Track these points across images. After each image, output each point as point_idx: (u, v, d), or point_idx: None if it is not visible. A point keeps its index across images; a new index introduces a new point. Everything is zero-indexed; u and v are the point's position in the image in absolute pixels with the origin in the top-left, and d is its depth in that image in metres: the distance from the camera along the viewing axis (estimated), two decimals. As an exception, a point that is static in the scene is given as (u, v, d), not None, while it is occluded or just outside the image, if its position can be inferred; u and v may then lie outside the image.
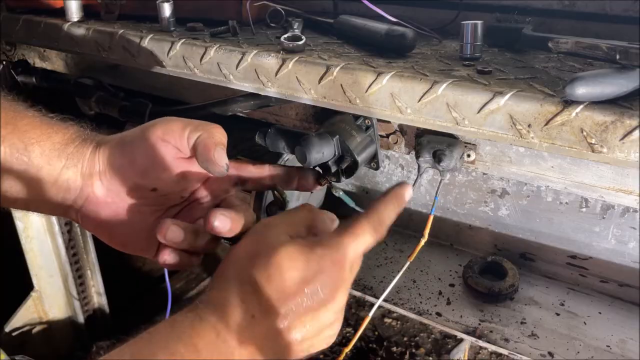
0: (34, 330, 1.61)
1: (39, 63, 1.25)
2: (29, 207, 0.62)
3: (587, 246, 0.93)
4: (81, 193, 0.60)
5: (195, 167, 0.61)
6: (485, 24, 0.69)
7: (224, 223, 0.55)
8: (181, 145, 0.59)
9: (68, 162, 0.59)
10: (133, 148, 0.59)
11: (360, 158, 0.74)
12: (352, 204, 0.80)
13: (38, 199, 0.60)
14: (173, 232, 0.56)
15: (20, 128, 0.58)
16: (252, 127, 0.84)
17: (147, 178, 0.60)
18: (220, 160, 0.56)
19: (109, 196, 0.60)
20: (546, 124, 0.54)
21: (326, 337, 0.52)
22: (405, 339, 1.89)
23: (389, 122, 0.77)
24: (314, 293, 0.48)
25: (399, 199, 0.54)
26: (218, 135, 0.58)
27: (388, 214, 0.54)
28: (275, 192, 0.75)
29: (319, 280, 0.48)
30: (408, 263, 0.83)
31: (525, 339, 0.84)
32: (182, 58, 0.82)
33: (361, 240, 0.52)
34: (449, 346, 1.84)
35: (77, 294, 1.65)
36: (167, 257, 0.57)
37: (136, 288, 2.02)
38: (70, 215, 0.62)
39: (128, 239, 0.62)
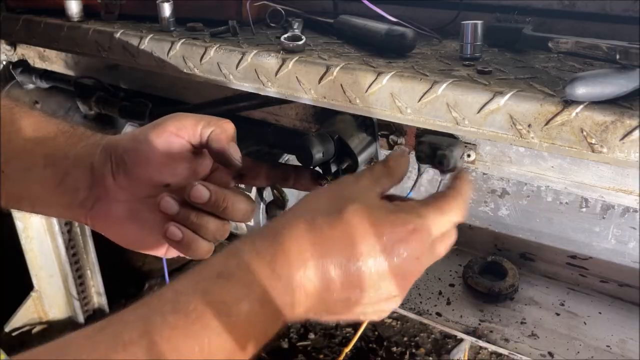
0: (34, 330, 1.61)
1: (39, 63, 1.25)
2: (34, 209, 0.62)
3: (587, 246, 0.92)
4: (91, 193, 0.60)
5: (203, 162, 0.63)
6: (485, 24, 0.69)
7: (202, 192, 0.56)
8: (194, 140, 0.60)
9: (76, 162, 0.59)
10: (149, 145, 0.59)
11: (360, 158, 0.74)
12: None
13: (44, 200, 0.60)
14: (167, 202, 0.56)
15: (25, 128, 0.59)
16: (252, 127, 0.85)
17: (162, 174, 0.60)
18: (236, 154, 0.59)
19: (122, 195, 0.60)
20: (546, 124, 0.54)
21: (381, 310, 0.49)
22: (405, 339, 1.89)
23: (389, 122, 0.77)
24: (384, 261, 0.45)
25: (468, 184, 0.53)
26: (230, 130, 0.60)
27: (467, 195, 0.51)
28: (275, 190, 0.76)
29: (395, 249, 0.46)
30: (408, 263, 0.83)
31: (525, 339, 0.84)
32: (182, 58, 0.82)
33: (447, 217, 0.49)
34: (449, 346, 1.84)
35: (77, 294, 1.65)
36: (171, 228, 0.57)
37: (136, 288, 2.02)
38: (78, 217, 0.61)
39: (140, 237, 0.62)
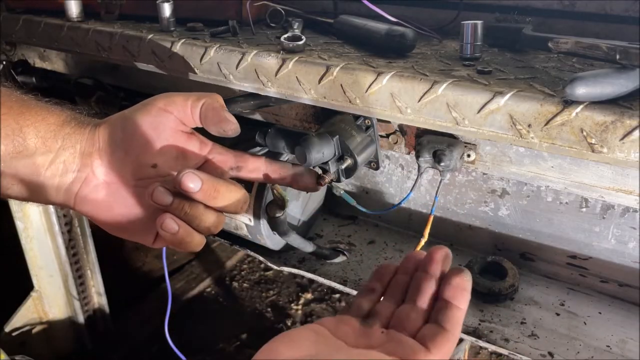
0: (34, 330, 1.61)
1: (39, 63, 1.26)
2: (24, 195, 0.60)
3: (587, 246, 0.92)
4: (79, 175, 0.59)
5: (193, 146, 0.62)
6: (485, 24, 0.69)
7: (193, 179, 0.54)
8: (184, 116, 0.60)
9: (65, 143, 0.59)
10: (135, 121, 0.59)
11: (360, 158, 0.74)
12: (353, 202, 0.81)
13: (33, 184, 0.59)
14: (159, 192, 0.55)
15: (15, 110, 0.58)
16: (252, 127, 0.84)
17: (149, 152, 0.59)
18: (232, 118, 0.59)
19: (108, 176, 0.60)
20: (546, 124, 0.54)
21: None
22: (405, 339, 1.89)
23: (389, 122, 0.77)
24: None
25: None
26: (221, 100, 0.61)
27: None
28: (275, 190, 0.75)
29: None
30: (408, 263, 0.83)
31: (525, 339, 0.84)
32: (182, 58, 0.82)
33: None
34: (449, 346, 1.84)
35: (77, 294, 1.65)
36: (167, 220, 0.56)
37: (136, 288, 2.02)
38: (66, 202, 0.60)
39: (126, 222, 0.61)
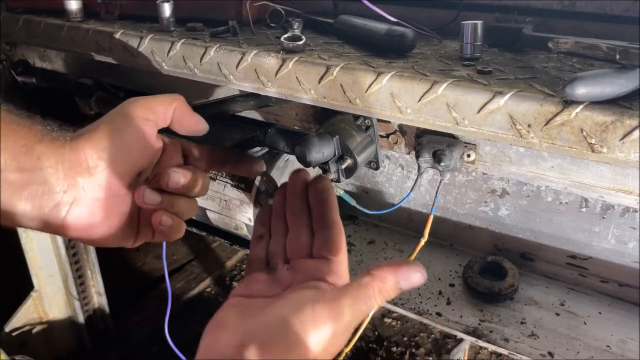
0: (34, 330, 1.61)
1: (39, 63, 1.25)
2: (13, 222, 0.56)
3: (587, 246, 0.92)
4: (65, 197, 0.56)
5: (159, 143, 0.64)
6: (485, 24, 0.69)
7: (180, 178, 0.61)
8: (160, 121, 0.62)
9: (43, 164, 0.55)
10: (123, 134, 0.59)
11: (360, 158, 0.74)
12: (353, 202, 0.81)
13: (8, 206, 0.54)
14: (149, 194, 0.60)
15: None
16: (252, 127, 0.84)
17: (137, 162, 0.61)
18: (201, 117, 0.64)
19: (100, 192, 0.58)
20: (546, 124, 0.54)
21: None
22: (405, 339, 1.90)
23: (389, 122, 0.77)
24: None
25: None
26: (185, 100, 0.64)
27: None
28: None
29: None
30: (408, 263, 0.83)
31: (525, 339, 0.84)
32: (182, 58, 0.82)
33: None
34: (449, 346, 1.84)
35: (77, 294, 1.66)
36: (162, 216, 0.61)
37: (136, 288, 2.02)
38: (49, 225, 0.56)
39: (111, 233, 0.61)
